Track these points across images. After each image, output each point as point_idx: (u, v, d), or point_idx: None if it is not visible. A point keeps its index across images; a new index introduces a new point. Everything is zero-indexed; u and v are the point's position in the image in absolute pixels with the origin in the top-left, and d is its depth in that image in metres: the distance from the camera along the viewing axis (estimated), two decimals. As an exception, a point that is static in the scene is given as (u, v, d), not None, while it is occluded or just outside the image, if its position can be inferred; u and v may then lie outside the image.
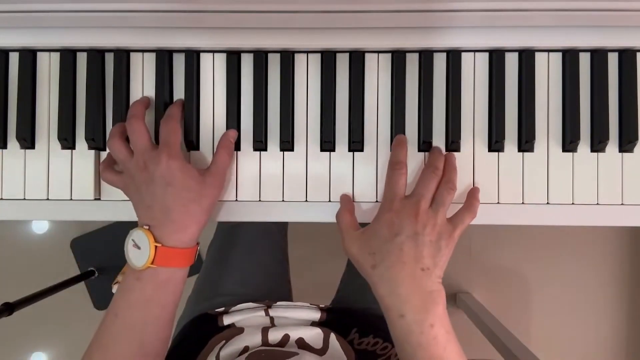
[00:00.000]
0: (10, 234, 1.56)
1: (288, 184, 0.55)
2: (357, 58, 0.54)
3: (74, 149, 0.56)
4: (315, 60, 0.55)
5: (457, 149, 0.55)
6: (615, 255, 1.56)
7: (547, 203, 0.55)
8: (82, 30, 0.54)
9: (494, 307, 1.44)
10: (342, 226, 0.52)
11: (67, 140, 0.55)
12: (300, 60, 0.55)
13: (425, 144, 0.55)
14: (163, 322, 0.51)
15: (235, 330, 0.64)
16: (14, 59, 0.55)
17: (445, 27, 0.53)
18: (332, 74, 0.55)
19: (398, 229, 0.48)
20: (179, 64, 0.55)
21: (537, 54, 0.55)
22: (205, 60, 0.55)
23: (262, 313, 0.67)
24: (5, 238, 1.57)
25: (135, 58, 0.56)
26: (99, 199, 0.56)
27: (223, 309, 0.70)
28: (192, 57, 0.55)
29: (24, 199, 0.55)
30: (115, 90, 0.55)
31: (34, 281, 1.33)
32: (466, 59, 0.55)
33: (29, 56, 0.55)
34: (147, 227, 0.49)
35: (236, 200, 0.55)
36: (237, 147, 0.55)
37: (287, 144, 0.55)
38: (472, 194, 0.53)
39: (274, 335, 0.60)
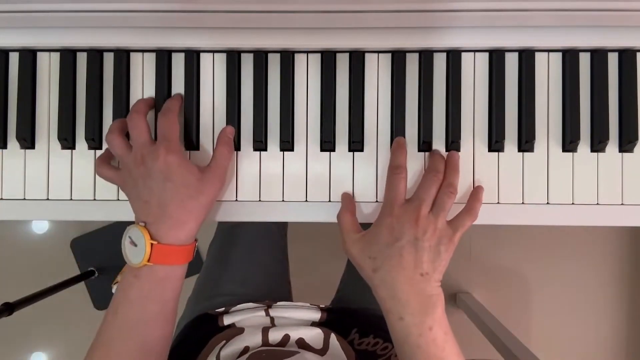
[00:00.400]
0: (10, 234, 1.56)
1: (288, 184, 0.55)
2: (357, 58, 0.54)
3: (74, 149, 0.56)
4: (315, 60, 0.55)
5: (457, 149, 0.55)
6: (615, 255, 1.56)
7: (547, 203, 0.55)
8: (82, 30, 0.54)
9: (494, 307, 1.44)
10: (343, 228, 0.52)
11: (67, 140, 0.55)
12: (300, 60, 0.55)
13: (425, 144, 0.55)
14: (163, 319, 0.50)
15: (235, 331, 0.64)
16: (14, 59, 0.55)
17: (445, 27, 0.53)
18: (332, 74, 0.55)
19: (398, 234, 0.48)
20: (178, 64, 0.55)
21: (537, 54, 0.55)
22: (205, 60, 0.55)
23: (262, 313, 0.67)
24: (5, 238, 1.56)
25: (135, 58, 0.56)
26: (99, 199, 0.56)
27: (223, 309, 0.70)
28: (192, 57, 0.55)
29: (24, 199, 0.55)
30: (115, 90, 0.55)
31: (34, 281, 1.34)
32: (466, 59, 0.55)
33: (29, 56, 0.55)
34: (143, 224, 0.48)
35: (236, 200, 0.55)
36: (237, 147, 0.55)
37: (287, 144, 0.55)
38: (475, 195, 0.53)
39: (275, 335, 0.60)
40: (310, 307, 0.69)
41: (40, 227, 1.57)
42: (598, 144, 0.54)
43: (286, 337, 0.60)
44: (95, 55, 0.55)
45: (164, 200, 0.48)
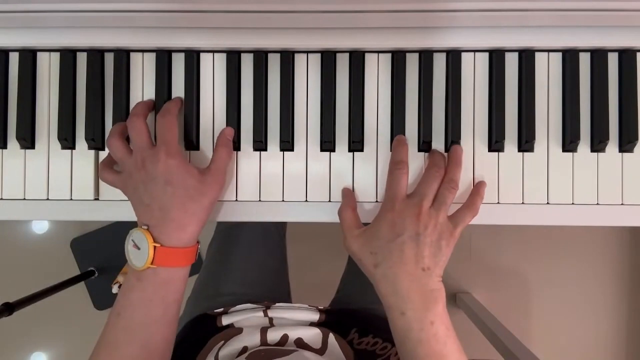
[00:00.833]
0: (10, 234, 1.57)
1: (288, 184, 0.55)
2: (357, 58, 0.54)
3: (74, 149, 0.56)
4: (315, 60, 0.55)
5: (457, 149, 0.55)
6: (615, 255, 1.56)
7: (547, 203, 0.55)
8: (82, 30, 0.54)
9: (494, 307, 1.44)
10: (344, 223, 0.52)
11: (67, 140, 0.55)
12: (300, 60, 0.55)
13: (425, 144, 0.55)
14: (166, 322, 0.51)
15: (234, 331, 0.64)
16: (14, 59, 0.55)
17: (445, 27, 0.53)
18: (332, 74, 0.55)
19: (400, 229, 0.48)
20: (179, 64, 0.55)
21: (537, 54, 0.55)
22: (205, 60, 0.55)
23: (261, 314, 0.67)
24: (5, 238, 1.57)
25: (135, 58, 0.56)
26: (99, 199, 0.56)
27: (222, 309, 0.70)
28: (192, 57, 0.55)
29: (24, 199, 0.55)
30: (115, 90, 0.55)
31: (34, 281, 1.34)
32: (466, 59, 0.55)
33: (29, 56, 0.55)
34: (145, 227, 0.49)
35: (236, 200, 0.55)
36: (237, 147, 0.55)
37: (287, 144, 0.55)
38: (477, 190, 0.53)
39: (273, 335, 0.60)
40: (309, 309, 0.69)
41: (40, 227, 1.57)
42: (598, 144, 0.54)
43: (285, 337, 0.60)
44: (96, 55, 0.55)
45: (165, 203, 0.48)
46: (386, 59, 0.55)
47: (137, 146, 0.50)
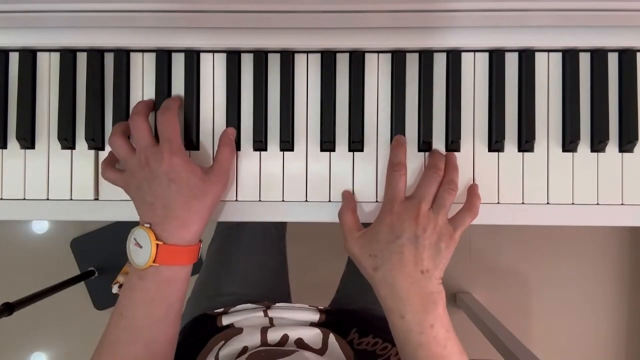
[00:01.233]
0: (10, 234, 1.57)
1: (288, 184, 0.55)
2: (357, 58, 0.54)
3: (74, 149, 0.56)
4: (315, 60, 0.55)
5: (457, 149, 0.55)
6: (615, 255, 1.56)
7: (547, 203, 0.55)
8: (82, 30, 0.54)
9: (494, 307, 1.44)
10: (344, 226, 0.52)
11: (67, 140, 0.55)
12: (300, 60, 0.55)
13: (425, 144, 0.55)
14: (169, 321, 0.50)
15: (234, 331, 0.64)
16: (14, 59, 0.55)
17: (445, 27, 0.53)
18: (332, 74, 0.55)
19: (399, 232, 0.48)
20: (179, 64, 0.55)
21: (537, 54, 0.55)
22: (205, 60, 0.55)
23: (261, 314, 0.67)
24: (5, 238, 1.57)
25: (135, 58, 0.56)
26: (99, 199, 0.56)
27: (222, 309, 0.70)
28: (192, 57, 0.55)
29: (24, 199, 0.55)
30: (115, 90, 0.55)
31: (34, 281, 1.34)
32: (466, 59, 0.55)
33: (29, 56, 0.55)
34: (148, 225, 0.48)
35: (236, 200, 0.55)
36: (237, 147, 0.55)
37: (287, 144, 0.55)
38: (472, 191, 0.53)
39: (273, 336, 0.60)
40: (309, 309, 0.69)
41: (40, 227, 1.57)
42: (598, 144, 0.54)
43: (285, 337, 0.60)
44: (95, 55, 0.55)
45: (168, 201, 0.48)
46: (386, 59, 0.55)
47: (140, 144, 0.50)
